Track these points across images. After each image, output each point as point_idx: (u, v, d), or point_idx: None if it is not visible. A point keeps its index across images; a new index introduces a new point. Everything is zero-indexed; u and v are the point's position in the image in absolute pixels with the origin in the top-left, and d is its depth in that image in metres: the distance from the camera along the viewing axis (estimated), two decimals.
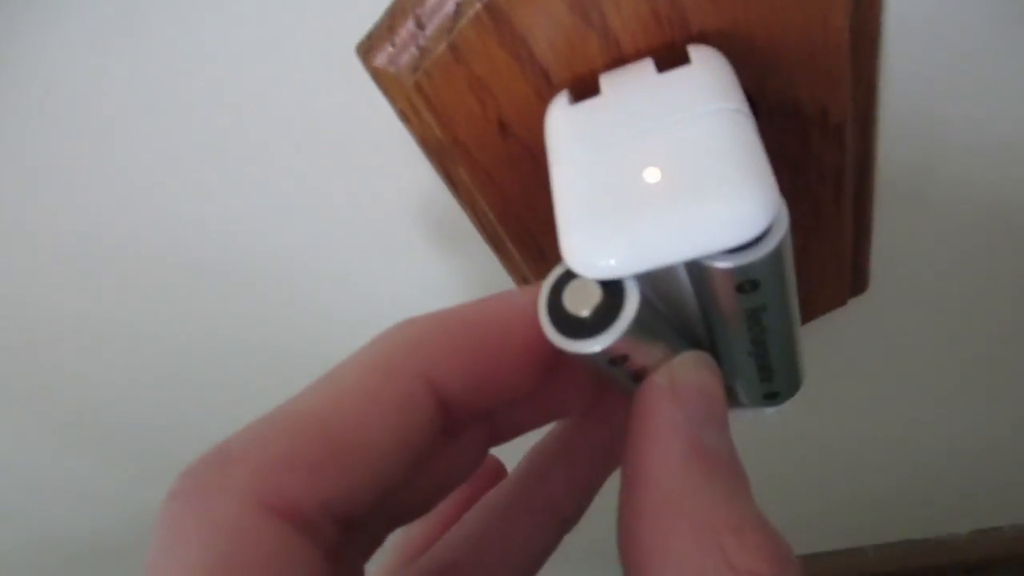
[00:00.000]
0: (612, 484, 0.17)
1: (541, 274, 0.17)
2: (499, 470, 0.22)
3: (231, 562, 0.12)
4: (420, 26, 0.19)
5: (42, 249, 0.28)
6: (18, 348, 0.34)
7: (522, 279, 0.28)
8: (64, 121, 0.24)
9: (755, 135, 0.17)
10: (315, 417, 0.14)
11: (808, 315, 0.32)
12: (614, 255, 0.16)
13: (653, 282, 0.18)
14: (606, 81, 0.19)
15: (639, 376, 0.17)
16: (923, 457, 0.54)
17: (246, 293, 0.30)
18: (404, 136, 0.23)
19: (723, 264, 0.16)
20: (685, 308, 0.20)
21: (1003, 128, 0.25)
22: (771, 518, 0.15)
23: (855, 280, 0.30)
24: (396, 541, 0.21)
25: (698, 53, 0.18)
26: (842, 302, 0.31)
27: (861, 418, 0.47)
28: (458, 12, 0.18)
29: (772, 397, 0.23)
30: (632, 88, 0.19)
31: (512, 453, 0.21)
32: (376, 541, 0.17)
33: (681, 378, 0.16)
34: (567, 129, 0.19)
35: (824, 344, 0.37)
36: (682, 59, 0.18)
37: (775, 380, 0.22)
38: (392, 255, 0.29)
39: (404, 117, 0.21)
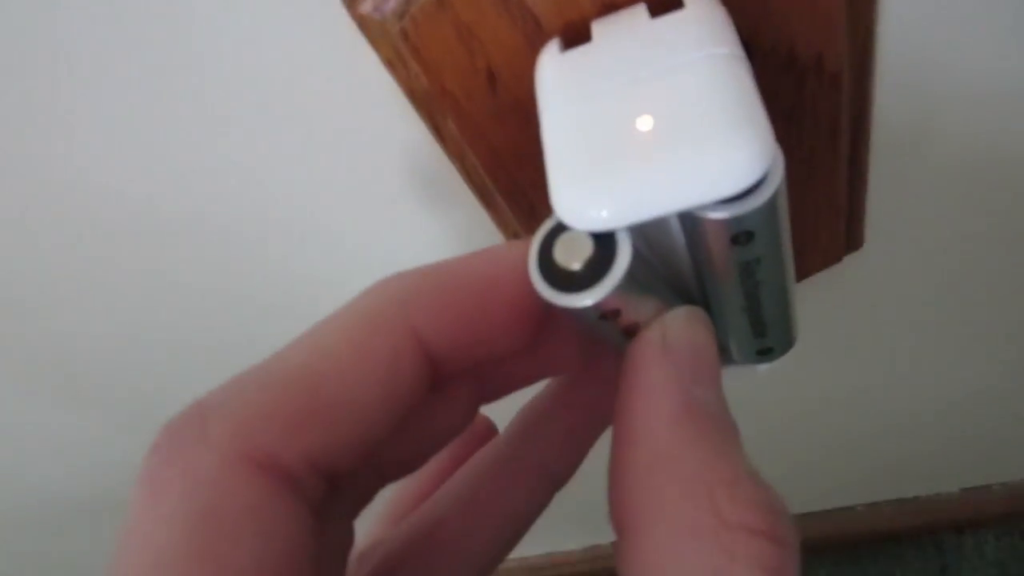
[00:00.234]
0: (604, 446, 0.16)
1: (532, 230, 0.17)
2: (490, 430, 0.22)
3: (212, 515, 0.12)
4: None
5: (25, 203, 0.28)
6: (5, 304, 0.33)
7: (513, 235, 0.28)
8: (48, 76, 0.23)
9: (750, 81, 0.16)
10: (298, 371, 0.14)
11: (802, 272, 0.32)
12: (606, 206, 0.16)
13: (645, 235, 0.18)
14: (598, 28, 0.19)
15: (630, 332, 0.17)
16: (914, 415, 0.55)
17: (232, 249, 0.30)
18: (392, 89, 0.22)
19: (717, 215, 0.16)
20: (678, 262, 0.19)
21: (1004, 77, 0.25)
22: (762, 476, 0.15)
23: (850, 236, 0.30)
24: (388, 498, 0.21)
25: None
26: (837, 259, 0.30)
27: (854, 376, 0.47)
28: None
29: (765, 353, 0.23)
30: (624, 34, 0.18)
31: (505, 414, 0.21)
32: (364, 498, 0.17)
33: (673, 334, 0.16)
34: (557, 77, 0.18)
35: (818, 302, 0.37)
36: (676, 3, 0.18)
37: (768, 336, 0.22)
38: (381, 211, 0.28)
39: (390, 66, 0.21)
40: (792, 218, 0.26)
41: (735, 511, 0.13)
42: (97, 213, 0.28)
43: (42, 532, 0.64)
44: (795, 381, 0.48)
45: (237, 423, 0.13)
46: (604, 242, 0.16)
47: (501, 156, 0.23)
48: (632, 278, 0.16)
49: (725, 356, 0.23)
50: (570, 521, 0.71)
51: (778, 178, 0.16)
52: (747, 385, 0.44)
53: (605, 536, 0.80)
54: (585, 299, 0.16)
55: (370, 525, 0.20)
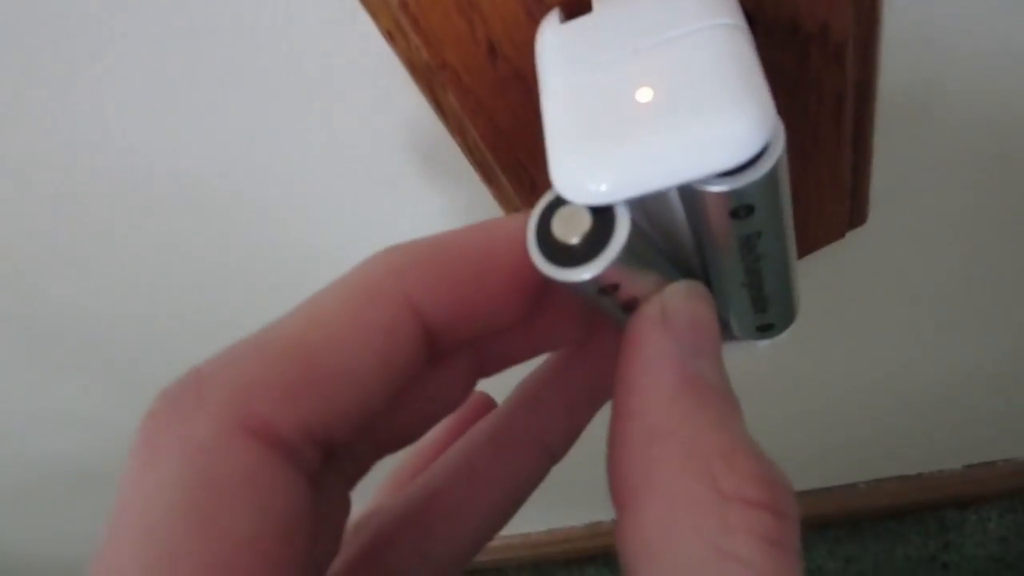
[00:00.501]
0: (605, 422, 0.16)
1: (533, 206, 0.17)
2: (489, 404, 0.22)
3: (209, 482, 0.12)
4: None
5: (26, 174, 0.28)
6: (5, 275, 0.34)
7: (514, 211, 0.28)
8: (45, 43, 0.23)
9: (752, 52, 0.16)
10: (295, 340, 0.14)
11: (805, 248, 0.31)
12: (605, 180, 0.16)
13: (645, 209, 0.18)
14: None
15: (629, 307, 0.17)
16: (917, 392, 0.55)
17: (232, 223, 0.30)
18: (392, 63, 0.22)
19: (717, 188, 0.16)
20: (678, 236, 0.19)
21: (1012, 49, 0.24)
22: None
23: (854, 211, 0.29)
24: (390, 469, 0.21)
25: None
26: (840, 234, 0.30)
27: (855, 353, 0.47)
28: None
29: (766, 329, 0.23)
30: (625, 4, 0.18)
31: (504, 389, 0.21)
32: (361, 468, 0.17)
33: (672, 307, 0.16)
34: (557, 48, 0.18)
35: (821, 278, 0.36)
36: None
37: (769, 311, 0.22)
38: (381, 186, 0.28)
39: (390, 38, 0.21)
40: (795, 192, 0.26)
41: (733, 483, 0.13)
42: (101, 186, 0.28)
43: (50, 503, 0.65)
44: (797, 358, 0.48)
45: (234, 391, 0.13)
46: (603, 216, 0.16)
47: (502, 130, 0.23)
48: (630, 252, 0.16)
49: (726, 332, 0.23)
50: (572, 498, 0.71)
51: (779, 150, 0.16)
52: (749, 363, 0.44)
53: (606, 513, 0.81)
54: (583, 273, 0.16)
55: (373, 495, 0.20)
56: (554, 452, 0.20)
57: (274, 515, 0.12)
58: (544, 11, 0.19)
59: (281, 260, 0.31)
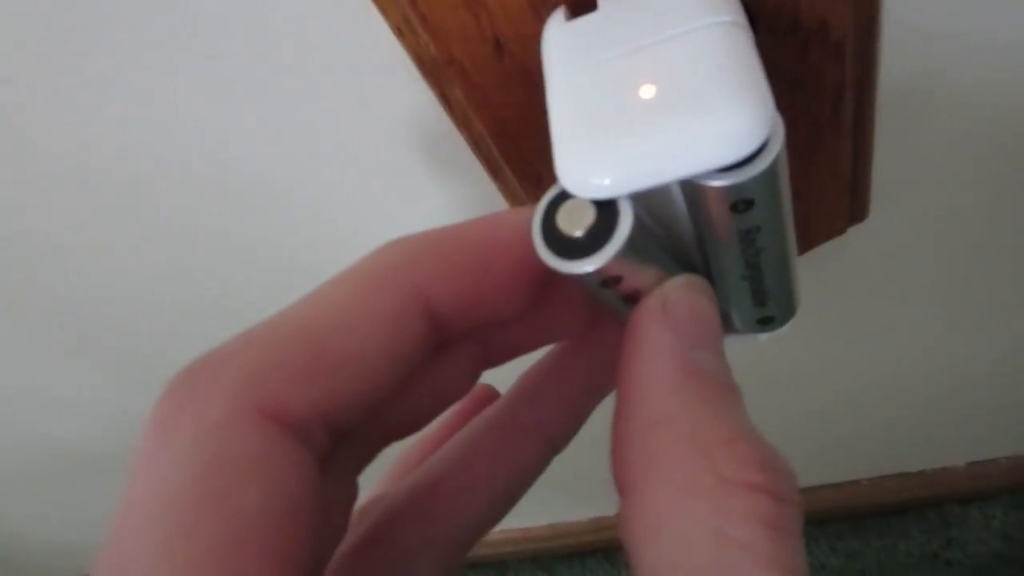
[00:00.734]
0: (608, 415, 0.17)
1: (539, 200, 0.17)
2: (493, 395, 0.22)
3: (221, 459, 0.12)
4: None
5: (39, 161, 0.28)
6: (20, 261, 0.34)
7: (519, 205, 0.28)
8: (59, 35, 0.24)
9: (752, 49, 0.17)
10: (304, 325, 0.14)
11: (806, 244, 0.32)
12: (608, 174, 0.16)
13: (648, 203, 0.18)
14: None
15: (632, 300, 0.17)
16: (919, 388, 0.55)
17: (242, 212, 0.30)
18: (401, 58, 0.23)
19: (717, 182, 0.16)
20: (680, 230, 0.20)
21: (1011, 44, 0.24)
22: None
23: (854, 207, 0.30)
24: (394, 457, 0.21)
25: None
26: (841, 230, 0.31)
27: (856, 349, 0.47)
28: None
29: (767, 322, 0.23)
30: (629, 2, 0.18)
31: (509, 382, 0.21)
32: (368, 455, 0.18)
33: (673, 300, 0.16)
34: (562, 45, 0.18)
35: (822, 275, 0.37)
36: None
37: (769, 304, 0.22)
38: (388, 181, 0.28)
39: (399, 34, 0.21)
40: (795, 188, 0.26)
41: (733, 468, 0.14)
42: (115, 174, 0.28)
43: (58, 486, 0.66)
44: (798, 354, 0.48)
45: (246, 373, 0.13)
46: (606, 209, 0.16)
47: (508, 125, 0.24)
48: (633, 245, 0.16)
49: (727, 325, 0.23)
50: (574, 492, 0.72)
51: (778, 146, 0.16)
52: (751, 359, 0.44)
53: (609, 508, 0.81)
54: (586, 265, 0.16)
55: (377, 482, 0.20)
56: (555, 442, 0.20)
57: (284, 493, 0.13)
58: (550, 8, 0.20)
59: (291, 251, 0.32)
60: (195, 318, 0.38)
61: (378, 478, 0.21)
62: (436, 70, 0.22)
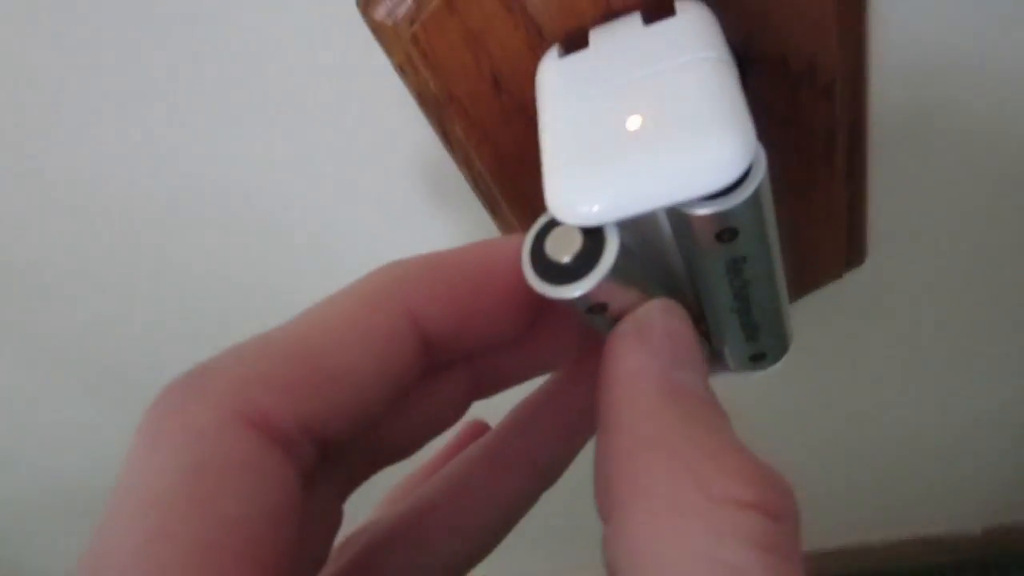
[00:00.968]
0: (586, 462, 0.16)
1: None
2: (484, 431, 0.22)
3: (206, 466, 0.12)
4: None
5: (46, 193, 0.29)
6: (28, 293, 0.35)
7: (513, 234, 0.28)
8: (74, 66, 0.25)
9: (735, 83, 0.17)
10: (296, 340, 0.14)
11: (803, 287, 0.32)
12: (596, 201, 0.17)
13: (637, 235, 0.19)
14: (595, 34, 0.20)
15: None
16: (926, 442, 0.54)
17: (243, 243, 0.31)
18: (403, 96, 0.24)
19: (702, 211, 0.17)
20: (670, 264, 0.20)
21: (1002, 85, 0.25)
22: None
23: (851, 250, 0.30)
24: (386, 490, 0.21)
25: (683, 5, 0.19)
26: (838, 274, 0.31)
27: (865, 404, 0.47)
28: None
29: (759, 359, 0.23)
30: (619, 40, 0.19)
31: (501, 414, 0.21)
32: (355, 480, 0.18)
33: (647, 322, 0.16)
34: (555, 80, 0.19)
35: (820, 319, 0.37)
36: (668, 11, 0.19)
37: (761, 339, 0.22)
38: (391, 214, 0.29)
39: (402, 71, 0.22)
40: (791, 230, 0.26)
41: (720, 483, 0.13)
42: (121, 207, 0.29)
43: (69, 520, 0.65)
44: (801, 404, 0.47)
45: (235, 383, 0.13)
46: (593, 236, 0.17)
47: (505, 161, 0.24)
48: (619, 272, 0.17)
49: (720, 364, 0.24)
50: (537, 546, 0.70)
51: (760, 175, 0.16)
52: (749, 403, 0.44)
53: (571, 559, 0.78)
54: (573, 291, 0.16)
55: (363, 520, 0.20)
56: (545, 473, 0.20)
57: (267, 501, 0.13)
58: (545, 46, 0.21)
59: (293, 282, 0.32)
60: (205, 351, 0.38)
61: (366, 515, 0.20)
62: (437, 107, 0.23)
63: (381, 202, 0.29)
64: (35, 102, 0.26)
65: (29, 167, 0.28)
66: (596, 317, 0.17)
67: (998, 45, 0.24)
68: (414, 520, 0.19)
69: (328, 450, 0.15)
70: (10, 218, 0.30)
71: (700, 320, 0.22)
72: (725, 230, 0.17)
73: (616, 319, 0.18)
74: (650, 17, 0.19)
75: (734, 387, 0.23)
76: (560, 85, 0.19)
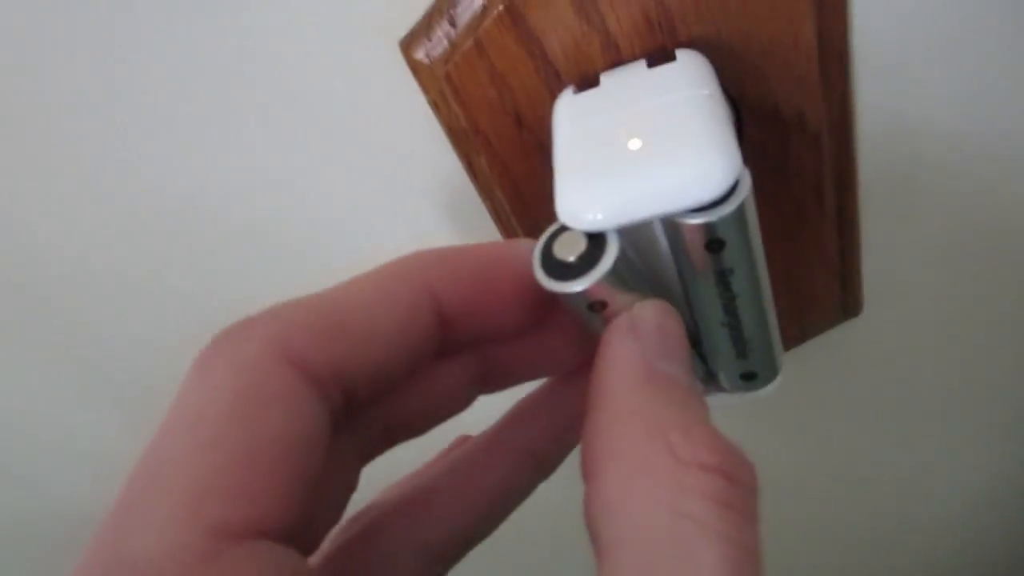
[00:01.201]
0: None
1: None
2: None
3: (249, 391, 0.14)
4: (452, 23, 0.22)
5: (75, 204, 0.31)
6: (52, 307, 0.36)
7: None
8: (125, 87, 0.27)
9: (724, 114, 0.20)
10: (331, 301, 0.17)
11: (800, 335, 0.34)
12: (600, 209, 0.19)
13: (636, 246, 0.21)
14: (605, 76, 0.23)
15: None
16: (933, 511, 0.53)
17: (273, 269, 0.33)
18: (435, 131, 0.26)
19: (693, 220, 0.19)
20: (667, 282, 0.22)
21: (986, 137, 0.27)
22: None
23: (846, 300, 0.32)
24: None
25: (683, 53, 0.22)
26: (835, 322, 0.32)
27: (858, 459, 0.46)
28: (484, 10, 0.22)
29: (750, 379, 0.25)
30: (625, 79, 0.22)
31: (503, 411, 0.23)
32: (371, 450, 0.19)
33: (640, 317, 0.18)
34: (568, 111, 0.22)
35: (820, 373, 0.37)
36: (670, 58, 0.22)
37: (751, 357, 0.24)
38: (415, 238, 0.31)
39: (435, 106, 0.25)
40: (785, 274, 0.29)
41: (688, 449, 0.15)
42: (147, 218, 0.31)
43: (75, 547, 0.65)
44: (800, 462, 0.47)
45: (278, 328, 0.15)
46: (596, 241, 0.19)
47: (524, 194, 0.27)
48: (618, 273, 0.19)
49: (714, 384, 0.25)
50: None
51: (745, 191, 0.19)
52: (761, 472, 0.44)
53: None
54: (576, 286, 0.19)
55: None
56: (542, 463, 0.21)
57: (299, 427, 0.15)
58: (561, 86, 0.24)
59: None
60: None
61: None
62: (464, 140, 0.26)
63: (408, 229, 0.31)
64: (84, 116, 0.28)
65: (72, 180, 0.30)
66: (596, 316, 0.19)
67: (980, 96, 0.26)
68: (419, 499, 0.20)
69: (352, 405, 0.17)
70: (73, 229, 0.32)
71: (696, 343, 0.24)
72: (713, 240, 0.19)
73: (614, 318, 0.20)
74: (653, 62, 0.22)
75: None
76: (572, 114, 0.22)
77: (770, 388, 0.25)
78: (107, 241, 0.33)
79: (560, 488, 0.23)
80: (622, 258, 0.19)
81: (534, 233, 0.29)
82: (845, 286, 0.31)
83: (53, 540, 0.62)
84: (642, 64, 0.22)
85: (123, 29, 0.25)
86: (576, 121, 0.21)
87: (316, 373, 0.15)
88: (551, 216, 0.28)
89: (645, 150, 0.19)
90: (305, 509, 0.15)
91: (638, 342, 0.18)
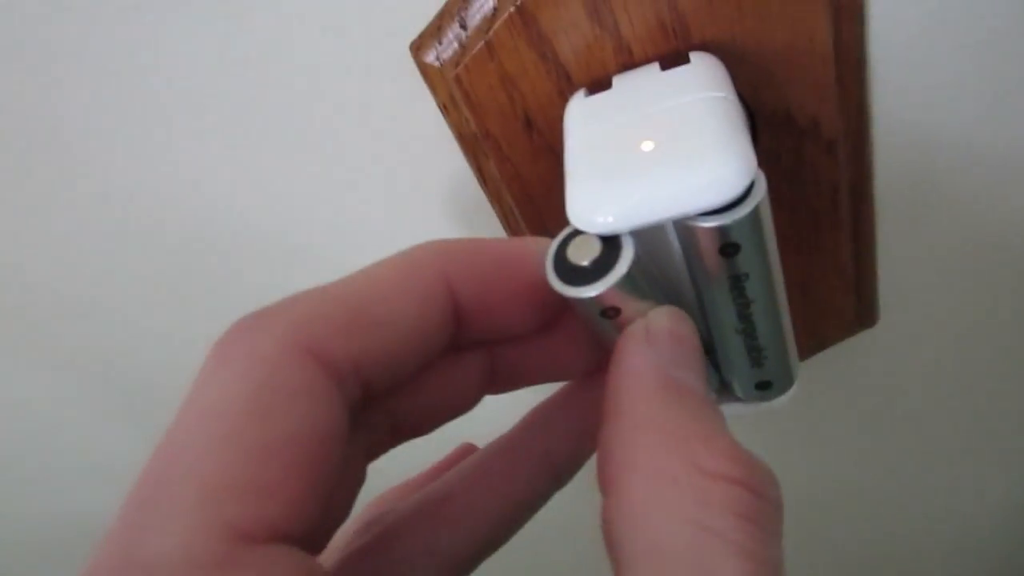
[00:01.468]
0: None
1: None
2: (474, 451, 0.23)
3: (267, 384, 0.14)
4: (463, 26, 0.22)
5: (78, 215, 0.31)
6: (54, 316, 0.36)
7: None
8: (129, 97, 0.27)
9: (739, 117, 0.19)
10: (349, 291, 0.16)
11: (816, 344, 0.33)
12: (612, 212, 0.19)
13: (649, 252, 0.21)
14: (618, 79, 0.22)
15: None
16: (954, 531, 0.52)
17: (285, 265, 0.33)
18: (444, 135, 0.26)
19: (706, 224, 0.19)
20: (681, 291, 0.22)
21: (1003, 146, 0.27)
22: None
23: (862, 309, 0.31)
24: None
25: (697, 56, 0.21)
26: (851, 332, 0.32)
27: (871, 472, 0.45)
28: (495, 12, 0.22)
29: (765, 388, 0.24)
30: (638, 82, 0.22)
31: (517, 413, 0.22)
32: (378, 447, 0.19)
33: (654, 324, 0.18)
34: (580, 114, 0.22)
35: (836, 385, 0.37)
36: (683, 60, 0.21)
37: (766, 365, 0.23)
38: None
39: (445, 109, 0.25)
40: (800, 282, 0.28)
41: (711, 460, 0.14)
42: (152, 226, 0.31)
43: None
44: (815, 475, 0.46)
45: (297, 319, 0.15)
46: (611, 245, 0.19)
47: (534, 198, 0.27)
48: (632, 279, 0.18)
49: (729, 394, 0.25)
50: None
51: (760, 194, 0.18)
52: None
53: None
54: (589, 291, 0.18)
55: (380, 499, 0.22)
56: (559, 470, 0.21)
57: (320, 424, 0.14)
58: (573, 90, 0.23)
59: None
60: None
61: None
62: (474, 144, 0.25)
63: (417, 233, 0.31)
64: (100, 132, 0.29)
65: (58, 189, 0.30)
66: (608, 323, 0.19)
67: (996, 107, 0.26)
68: (435, 505, 0.20)
69: (368, 392, 0.16)
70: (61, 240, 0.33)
71: (710, 351, 0.23)
72: (728, 244, 0.19)
73: (627, 325, 0.19)
74: (667, 64, 0.22)
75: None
76: (584, 117, 0.21)
77: (785, 398, 0.25)
78: (122, 247, 0.33)
79: (573, 496, 0.23)
80: (637, 264, 0.19)
81: (543, 236, 0.29)
82: (860, 296, 0.30)
83: (83, 552, 0.62)
84: (655, 67, 0.22)
85: (137, 30, 0.25)
86: (588, 124, 0.21)
87: (336, 366, 0.15)
88: (561, 220, 0.28)
89: (658, 152, 0.19)
90: (322, 510, 0.14)
91: (653, 351, 0.17)
